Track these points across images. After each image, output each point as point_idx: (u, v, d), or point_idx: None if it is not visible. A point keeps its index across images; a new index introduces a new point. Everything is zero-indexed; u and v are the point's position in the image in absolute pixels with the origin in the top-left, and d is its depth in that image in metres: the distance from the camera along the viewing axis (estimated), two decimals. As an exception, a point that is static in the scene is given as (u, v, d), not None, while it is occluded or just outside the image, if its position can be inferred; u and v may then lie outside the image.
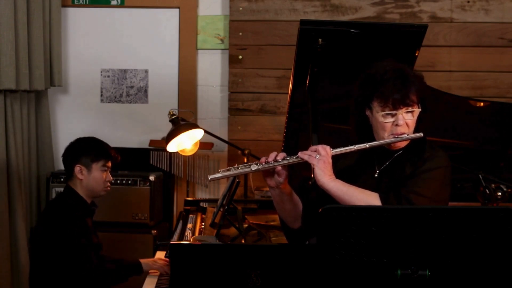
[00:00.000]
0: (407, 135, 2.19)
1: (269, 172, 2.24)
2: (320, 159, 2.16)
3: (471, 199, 3.29)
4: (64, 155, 3.11)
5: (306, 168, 2.78)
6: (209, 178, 2.22)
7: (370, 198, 2.13)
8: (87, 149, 3.06)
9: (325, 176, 2.15)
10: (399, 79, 2.16)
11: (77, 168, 3.03)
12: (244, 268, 2.25)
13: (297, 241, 2.43)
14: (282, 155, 2.21)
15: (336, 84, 3.08)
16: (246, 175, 3.99)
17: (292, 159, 2.20)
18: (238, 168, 2.22)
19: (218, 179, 2.24)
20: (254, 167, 2.19)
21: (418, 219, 1.67)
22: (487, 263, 1.68)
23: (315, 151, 2.18)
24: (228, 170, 2.22)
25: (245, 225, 2.99)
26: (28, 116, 4.06)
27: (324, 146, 2.19)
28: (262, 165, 2.20)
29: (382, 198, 2.12)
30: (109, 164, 3.09)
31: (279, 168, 2.21)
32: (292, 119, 3.14)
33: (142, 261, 3.00)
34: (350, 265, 1.69)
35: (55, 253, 2.88)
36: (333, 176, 2.17)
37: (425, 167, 2.18)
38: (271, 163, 2.20)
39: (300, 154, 2.20)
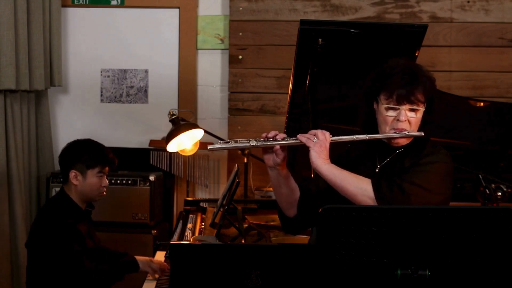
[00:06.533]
0: (408, 132, 2.19)
1: (268, 150, 2.27)
2: (317, 142, 2.18)
3: (471, 199, 3.29)
4: (60, 159, 3.06)
5: (306, 167, 2.79)
6: (208, 148, 2.27)
7: (361, 183, 2.13)
8: (83, 154, 2.98)
9: (319, 159, 2.16)
10: (408, 75, 2.17)
11: (72, 174, 2.96)
12: (244, 268, 2.25)
13: (291, 230, 2.47)
14: (282, 135, 2.24)
15: (336, 84, 3.08)
16: (246, 176, 4.00)
17: (290, 140, 2.23)
18: (237, 141, 2.26)
19: (217, 150, 2.28)
20: (253, 142, 2.22)
21: (418, 219, 1.67)
22: (487, 263, 1.68)
23: (314, 135, 2.20)
24: (228, 142, 2.27)
25: (245, 225, 2.99)
26: (28, 116, 4.06)
27: (324, 131, 2.21)
28: (261, 141, 2.23)
29: (374, 184, 2.12)
30: (106, 169, 3.02)
31: (277, 147, 2.23)
32: (292, 119, 3.14)
33: (138, 258, 2.96)
34: (350, 265, 1.69)
35: (48, 260, 2.83)
36: (328, 160, 2.18)
37: (424, 160, 2.18)
38: (270, 140, 2.22)
39: (299, 136, 2.22)
